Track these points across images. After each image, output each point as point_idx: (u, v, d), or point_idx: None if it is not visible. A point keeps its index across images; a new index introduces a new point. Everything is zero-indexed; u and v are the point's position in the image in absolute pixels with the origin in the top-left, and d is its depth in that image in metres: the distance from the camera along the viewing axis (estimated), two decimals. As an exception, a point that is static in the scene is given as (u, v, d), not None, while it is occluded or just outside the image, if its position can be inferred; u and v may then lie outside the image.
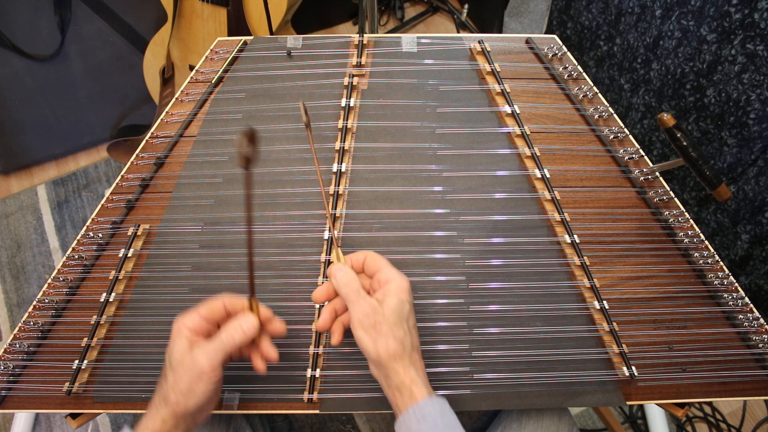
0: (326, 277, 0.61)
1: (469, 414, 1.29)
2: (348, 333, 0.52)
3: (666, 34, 1.07)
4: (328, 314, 0.52)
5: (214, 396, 0.48)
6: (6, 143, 1.51)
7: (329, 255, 0.62)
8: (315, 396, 0.59)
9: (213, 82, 0.68)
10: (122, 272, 0.62)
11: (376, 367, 0.49)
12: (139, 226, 0.64)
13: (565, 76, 0.68)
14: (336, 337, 0.53)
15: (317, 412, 0.59)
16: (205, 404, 0.47)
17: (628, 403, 0.60)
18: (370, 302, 0.48)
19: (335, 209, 0.64)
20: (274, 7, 1.20)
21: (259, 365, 0.51)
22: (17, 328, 0.61)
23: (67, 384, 0.59)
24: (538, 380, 0.60)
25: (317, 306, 0.61)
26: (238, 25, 1.24)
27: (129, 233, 0.63)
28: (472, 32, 1.83)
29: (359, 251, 0.53)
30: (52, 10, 1.31)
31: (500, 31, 1.71)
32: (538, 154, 0.64)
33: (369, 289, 0.52)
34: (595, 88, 0.67)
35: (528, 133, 0.65)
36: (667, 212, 0.64)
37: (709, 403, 1.25)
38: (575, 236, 0.62)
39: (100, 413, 0.64)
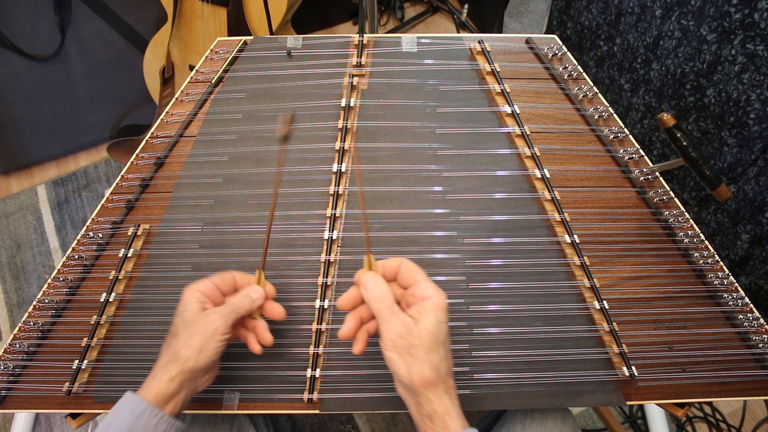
0: (326, 277, 0.61)
1: (470, 414, 1.29)
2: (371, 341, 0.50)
3: (666, 34, 1.07)
4: (353, 322, 0.49)
5: (218, 360, 0.50)
6: (6, 143, 1.51)
7: (329, 255, 0.62)
8: (315, 396, 0.59)
9: (213, 82, 0.68)
10: (122, 272, 0.62)
11: (407, 391, 0.46)
12: (139, 226, 0.64)
13: (565, 76, 0.68)
14: (359, 346, 0.50)
15: (317, 412, 0.59)
16: (211, 364, 0.48)
17: (628, 403, 0.60)
18: (405, 321, 0.44)
19: (335, 209, 0.63)
20: (274, 7, 1.20)
21: (255, 347, 0.52)
22: (17, 328, 0.61)
23: (67, 384, 0.59)
24: (538, 380, 0.60)
25: (317, 306, 0.61)
26: (238, 25, 1.24)
27: (129, 233, 0.63)
28: (472, 32, 1.83)
29: (393, 258, 0.49)
30: (52, 10, 1.31)
31: (500, 31, 1.71)
32: (538, 154, 0.64)
33: (400, 299, 0.48)
34: (595, 88, 0.67)
35: (528, 133, 0.65)
36: (667, 212, 0.64)
37: (709, 403, 1.25)
38: (575, 236, 0.62)
39: (100, 413, 0.64)
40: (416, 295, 0.46)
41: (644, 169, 0.65)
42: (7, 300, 1.41)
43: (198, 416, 0.63)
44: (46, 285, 0.62)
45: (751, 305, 0.62)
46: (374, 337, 0.60)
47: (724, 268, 0.63)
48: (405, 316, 0.45)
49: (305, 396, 0.58)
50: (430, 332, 0.44)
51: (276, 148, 0.45)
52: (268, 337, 0.52)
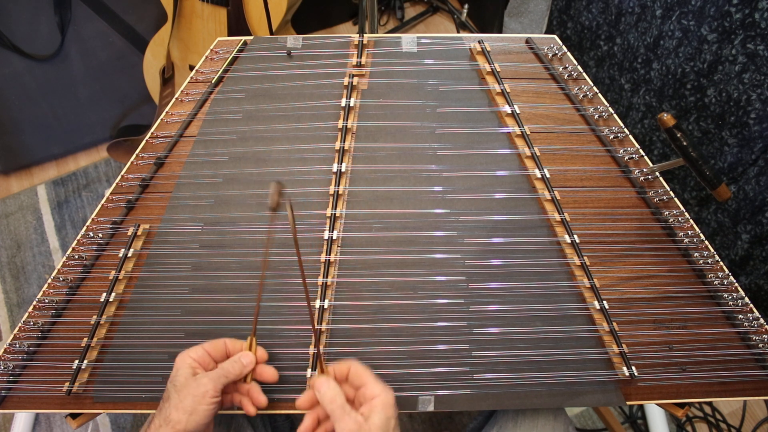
0: (326, 277, 0.61)
1: (470, 414, 1.29)
2: None
3: (666, 33, 1.07)
4: (310, 421, 0.52)
5: (211, 423, 0.52)
6: (6, 143, 1.51)
7: (329, 255, 0.62)
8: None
9: (213, 82, 0.68)
10: (122, 272, 0.62)
11: None
12: (139, 226, 0.64)
13: (565, 76, 0.67)
14: None
15: (327, 365, 0.59)
16: (203, 427, 0.50)
17: (628, 403, 0.60)
18: (356, 419, 0.48)
19: (335, 209, 0.64)
20: (274, 7, 1.20)
21: (250, 409, 0.54)
22: (17, 328, 0.61)
23: (67, 384, 0.59)
24: (538, 380, 0.60)
25: (317, 306, 0.61)
26: (238, 25, 1.24)
27: (129, 233, 0.63)
28: (472, 32, 1.83)
29: (343, 361, 0.52)
30: (52, 10, 1.31)
31: (500, 31, 1.71)
32: (538, 154, 0.64)
33: (352, 398, 0.52)
34: (595, 88, 0.67)
35: (528, 133, 0.65)
36: (667, 212, 0.64)
37: (709, 403, 1.25)
38: (575, 236, 0.62)
39: (100, 413, 0.64)
40: (366, 395, 0.50)
41: (644, 169, 0.65)
42: (7, 300, 1.41)
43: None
44: (46, 285, 0.62)
45: (751, 305, 0.62)
46: (377, 337, 0.60)
47: (724, 268, 0.63)
48: (356, 415, 0.48)
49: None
50: (379, 427, 0.47)
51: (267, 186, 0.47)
52: (261, 400, 0.54)
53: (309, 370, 0.59)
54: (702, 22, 0.98)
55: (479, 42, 0.68)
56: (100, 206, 0.65)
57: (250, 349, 0.54)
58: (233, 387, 0.54)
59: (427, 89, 0.68)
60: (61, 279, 0.62)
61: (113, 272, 0.62)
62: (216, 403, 0.50)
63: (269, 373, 0.55)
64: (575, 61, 0.68)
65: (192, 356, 0.52)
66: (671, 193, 0.64)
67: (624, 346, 0.60)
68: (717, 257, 0.63)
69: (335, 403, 0.48)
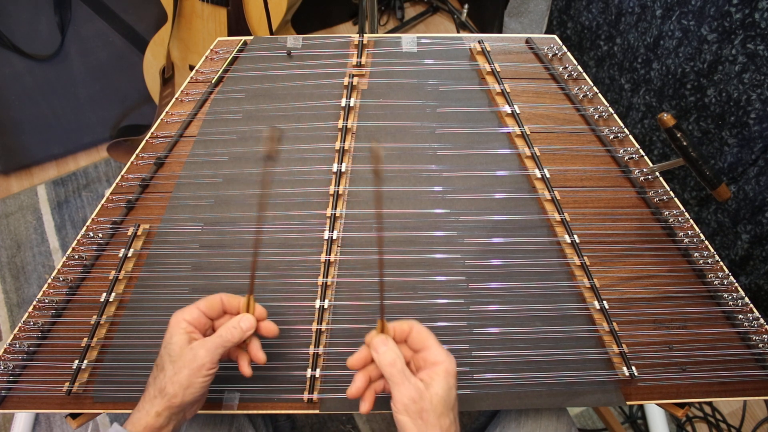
0: (326, 277, 0.61)
1: (470, 414, 1.29)
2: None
3: (666, 33, 1.07)
4: (362, 382, 0.48)
5: (207, 391, 0.50)
6: (6, 143, 1.51)
7: (329, 255, 0.62)
8: (315, 396, 0.59)
9: (213, 82, 0.68)
10: (122, 272, 0.62)
11: None
12: (139, 226, 0.64)
13: (565, 76, 0.67)
14: (366, 406, 0.49)
15: (317, 412, 0.59)
16: (199, 397, 0.48)
17: (628, 403, 0.60)
18: (417, 386, 0.45)
19: (335, 209, 0.63)
20: (274, 7, 1.20)
21: (246, 369, 0.52)
22: (17, 328, 0.61)
23: (67, 384, 0.59)
24: (538, 380, 0.60)
25: (317, 306, 0.61)
26: (238, 25, 1.24)
27: (129, 233, 0.63)
28: (472, 32, 1.83)
29: (404, 321, 0.49)
30: (52, 10, 1.31)
31: (500, 31, 1.71)
32: (538, 154, 0.64)
33: (410, 361, 0.49)
34: (595, 88, 0.67)
35: (528, 133, 0.65)
36: (667, 212, 0.64)
37: (709, 403, 1.25)
38: (575, 236, 0.62)
39: (100, 413, 0.64)
40: (427, 360, 0.47)
41: (644, 169, 0.65)
42: (7, 300, 1.41)
43: (197, 416, 0.63)
44: (46, 285, 0.62)
45: (751, 305, 0.62)
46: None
47: (724, 268, 0.63)
48: (417, 381, 0.45)
49: (305, 396, 0.58)
50: (441, 397, 0.44)
51: (263, 167, 0.44)
52: (261, 356, 0.51)
53: (309, 370, 0.59)
54: (702, 22, 0.98)
55: (479, 42, 0.68)
56: (100, 206, 0.65)
57: (248, 310, 0.51)
58: None
59: (427, 89, 0.68)
60: (61, 279, 0.62)
61: (113, 272, 0.62)
62: (213, 373, 0.48)
63: (269, 328, 0.52)
64: (575, 61, 0.68)
65: (186, 319, 0.49)
66: (671, 193, 0.64)
67: (624, 346, 0.60)
68: (717, 257, 0.63)
69: (395, 366, 0.45)
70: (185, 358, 0.47)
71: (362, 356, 0.49)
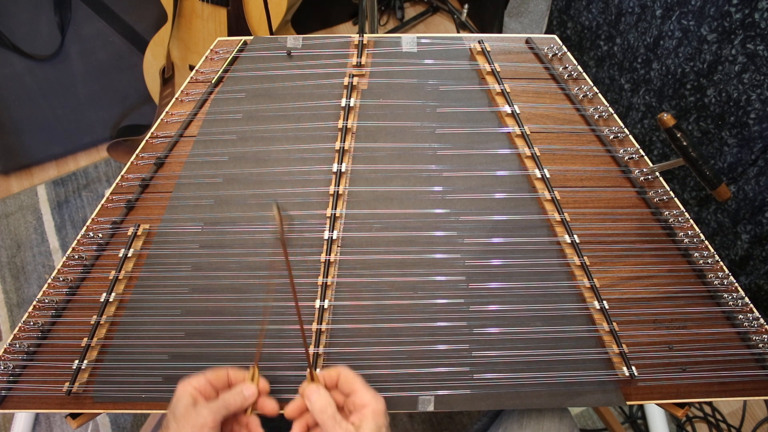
0: (326, 277, 0.62)
1: (470, 414, 1.29)
2: None
3: (666, 33, 1.07)
4: (299, 430, 0.52)
5: None
6: (6, 143, 1.51)
7: (329, 255, 0.62)
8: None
9: (213, 82, 0.68)
10: (122, 272, 0.62)
11: None
12: (139, 226, 0.64)
13: (565, 76, 0.68)
14: None
15: (317, 371, 0.59)
16: None
17: (628, 403, 0.60)
18: (347, 429, 0.48)
19: (335, 209, 0.63)
20: (274, 7, 1.20)
21: None
22: (17, 328, 0.61)
23: (67, 384, 0.59)
24: (538, 380, 0.60)
25: (317, 306, 0.61)
26: (238, 25, 1.24)
27: (129, 233, 0.63)
28: (472, 32, 1.83)
29: (333, 368, 0.52)
30: (52, 10, 1.31)
31: (500, 31, 1.71)
32: (538, 154, 0.64)
33: (342, 406, 0.52)
34: (595, 88, 0.67)
35: (528, 133, 0.65)
36: (667, 212, 0.64)
37: (709, 403, 1.25)
38: (575, 236, 0.62)
39: (100, 413, 0.64)
40: (356, 403, 0.50)
41: (644, 169, 0.65)
42: (7, 300, 1.41)
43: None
44: (46, 285, 0.62)
45: (751, 305, 0.62)
46: (377, 337, 0.60)
47: (724, 268, 0.63)
48: (347, 425, 0.48)
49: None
50: None
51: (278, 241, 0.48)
52: None
53: (306, 378, 0.59)
54: (702, 22, 0.98)
55: (479, 42, 0.68)
56: (100, 206, 0.65)
57: (252, 380, 0.53)
58: (233, 418, 0.53)
59: (427, 89, 0.68)
60: (61, 279, 0.62)
61: (113, 272, 0.62)
62: None
63: (270, 406, 0.54)
64: (575, 61, 0.68)
65: (193, 385, 0.51)
66: (671, 193, 0.64)
67: (624, 346, 0.60)
68: (717, 257, 0.63)
69: (326, 413, 0.48)
70: (189, 416, 0.49)
71: (297, 405, 0.52)
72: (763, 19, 0.88)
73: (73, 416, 0.62)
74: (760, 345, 0.61)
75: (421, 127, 0.66)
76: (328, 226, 0.63)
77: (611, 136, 0.66)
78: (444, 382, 0.59)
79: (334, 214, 0.63)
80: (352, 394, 0.51)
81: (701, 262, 0.63)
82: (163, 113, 0.67)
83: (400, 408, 0.60)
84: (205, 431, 0.48)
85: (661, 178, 0.65)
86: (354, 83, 0.67)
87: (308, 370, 0.53)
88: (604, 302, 0.61)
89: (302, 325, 0.51)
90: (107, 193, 0.65)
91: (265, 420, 0.75)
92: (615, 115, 0.66)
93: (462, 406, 0.59)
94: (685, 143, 0.56)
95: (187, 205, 0.65)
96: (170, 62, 1.34)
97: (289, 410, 0.52)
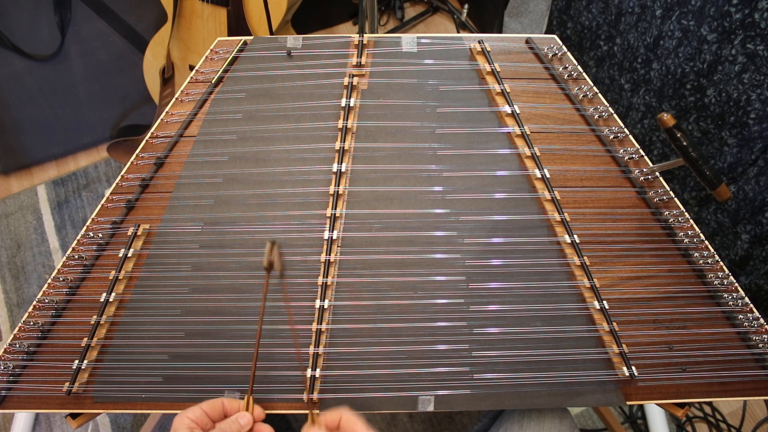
0: (326, 277, 0.62)
1: (470, 414, 1.29)
2: None
3: (666, 34, 1.07)
4: None
5: None
6: (6, 143, 1.51)
7: (329, 255, 0.62)
8: (315, 396, 0.59)
9: (213, 82, 0.68)
10: (122, 272, 0.62)
11: None
12: (139, 226, 0.64)
13: (565, 76, 0.68)
14: None
15: (317, 412, 0.59)
16: None
17: (628, 403, 0.60)
18: None
19: (335, 209, 0.64)
20: (274, 7, 1.20)
21: None
22: (17, 328, 0.61)
23: (67, 384, 0.59)
24: (538, 380, 0.60)
25: (317, 306, 0.61)
26: (238, 25, 1.24)
27: (129, 233, 0.63)
28: (472, 32, 1.83)
29: (334, 410, 0.53)
30: (52, 10, 1.31)
31: (500, 31, 1.71)
32: (538, 154, 0.64)
33: None
34: (595, 88, 0.67)
35: (528, 133, 0.65)
36: (667, 212, 0.64)
37: (709, 403, 1.25)
38: (575, 236, 0.62)
39: (100, 413, 0.64)
40: None
41: (644, 169, 0.65)
42: (7, 300, 1.41)
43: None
44: (46, 285, 0.62)
45: (751, 305, 0.62)
46: (377, 337, 0.60)
47: (724, 268, 0.63)
48: None
49: (305, 396, 0.59)
50: None
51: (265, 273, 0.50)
52: None
53: (309, 370, 0.59)
54: (702, 22, 0.98)
55: (479, 42, 0.68)
56: (100, 206, 0.65)
57: (247, 409, 0.54)
58: None
59: (427, 89, 0.68)
60: (61, 279, 0.62)
61: (113, 272, 0.62)
62: None
63: None
64: (575, 61, 0.68)
65: (190, 417, 0.52)
66: (671, 193, 0.64)
67: (624, 346, 0.60)
68: (717, 257, 0.63)
69: None
70: None
71: None
72: (763, 19, 0.88)
73: (73, 416, 0.62)
74: (760, 345, 0.61)
75: (421, 127, 0.66)
76: (328, 226, 0.63)
77: (611, 136, 0.66)
78: (444, 382, 0.59)
79: (334, 214, 0.63)
80: None
81: (701, 262, 0.63)
82: (163, 113, 0.67)
83: (400, 408, 0.60)
84: None
85: (661, 178, 0.65)
86: (354, 83, 0.67)
87: (309, 413, 0.54)
88: (604, 302, 0.61)
89: (302, 347, 0.53)
90: (107, 193, 0.65)
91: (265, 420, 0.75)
92: (615, 115, 0.66)
93: (462, 406, 0.59)
94: (685, 143, 0.56)
95: (187, 205, 0.65)
96: (170, 62, 1.34)
97: None
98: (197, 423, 0.52)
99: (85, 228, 0.64)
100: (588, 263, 0.62)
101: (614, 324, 0.60)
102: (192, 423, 0.51)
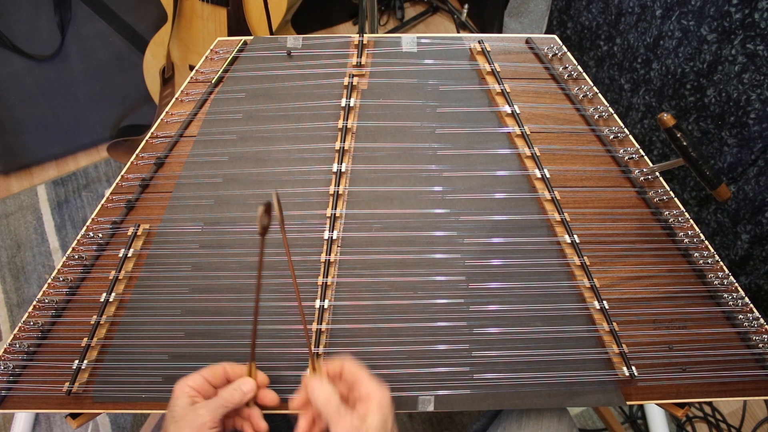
0: (326, 277, 0.62)
1: (470, 414, 1.29)
2: None
3: (666, 34, 1.07)
4: (305, 422, 0.51)
5: None
6: (6, 143, 1.51)
7: (329, 255, 0.62)
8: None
9: (213, 82, 0.68)
10: (122, 272, 0.62)
11: None
12: (139, 226, 0.64)
13: (565, 76, 0.68)
14: None
15: (320, 361, 0.59)
16: None
17: (628, 403, 0.60)
18: (352, 421, 0.46)
19: (335, 209, 0.63)
20: (274, 7, 1.20)
21: None
22: (17, 328, 0.61)
23: (67, 384, 0.59)
24: (538, 380, 0.60)
25: (317, 306, 0.61)
26: (238, 25, 1.24)
27: (129, 233, 0.63)
28: (472, 32, 1.83)
29: (336, 359, 0.51)
30: (52, 10, 1.31)
31: (500, 31, 1.71)
32: (538, 154, 0.64)
33: (346, 397, 0.51)
34: (595, 88, 0.67)
35: (528, 133, 0.65)
36: (667, 212, 0.64)
37: (709, 403, 1.25)
38: (575, 236, 0.62)
39: (100, 413, 0.64)
40: (360, 394, 0.49)
41: (644, 169, 0.65)
42: (7, 300, 1.41)
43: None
44: (46, 285, 0.62)
45: (751, 305, 0.62)
46: (377, 337, 0.60)
47: (724, 268, 0.63)
48: (352, 416, 0.47)
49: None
50: (377, 428, 0.46)
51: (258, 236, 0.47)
52: (262, 425, 0.52)
53: (309, 370, 0.59)
54: (702, 22, 0.98)
55: (479, 42, 0.68)
56: (100, 206, 0.65)
57: (249, 375, 0.53)
58: (234, 411, 0.53)
59: (427, 89, 0.68)
60: (61, 279, 0.62)
61: (113, 272, 0.62)
62: None
63: (270, 397, 0.53)
64: (575, 61, 0.68)
65: (190, 384, 0.50)
66: (671, 193, 0.64)
67: (624, 346, 0.60)
68: (717, 257, 0.63)
69: (330, 405, 0.47)
70: (187, 418, 0.48)
71: (302, 398, 0.51)
72: (763, 19, 0.88)
73: (73, 416, 0.62)
74: (760, 345, 0.61)
75: (421, 127, 0.66)
76: (328, 226, 0.63)
77: (611, 136, 0.66)
78: (444, 382, 0.59)
79: (334, 214, 0.63)
80: (356, 385, 0.49)
81: (701, 262, 0.63)
82: (163, 113, 0.67)
83: (400, 408, 0.60)
84: (204, 430, 0.48)
85: (661, 178, 0.65)
86: (354, 83, 0.67)
87: (310, 360, 0.52)
88: (604, 302, 0.61)
89: (301, 308, 0.50)
90: (107, 193, 0.65)
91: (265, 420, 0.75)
92: (615, 115, 0.66)
93: (462, 406, 0.59)
94: (685, 143, 0.56)
95: (187, 205, 0.65)
96: (170, 62, 1.34)
97: (294, 403, 0.51)
98: (198, 391, 0.50)
99: (85, 228, 0.64)
100: (588, 263, 0.62)
101: (614, 324, 0.60)
102: (193, 391, 0.50)
